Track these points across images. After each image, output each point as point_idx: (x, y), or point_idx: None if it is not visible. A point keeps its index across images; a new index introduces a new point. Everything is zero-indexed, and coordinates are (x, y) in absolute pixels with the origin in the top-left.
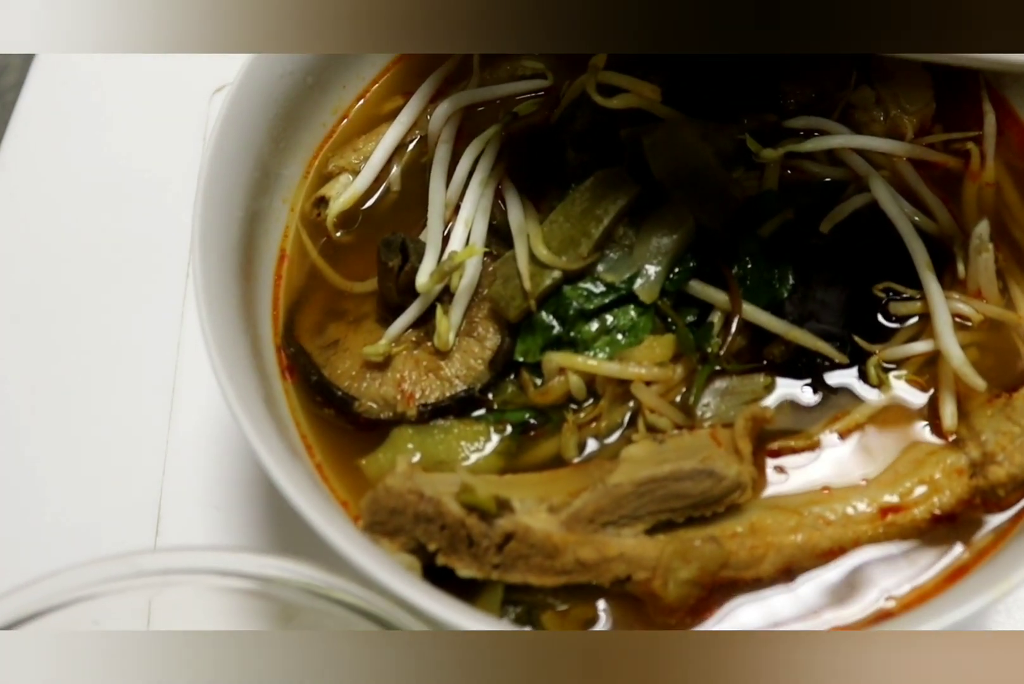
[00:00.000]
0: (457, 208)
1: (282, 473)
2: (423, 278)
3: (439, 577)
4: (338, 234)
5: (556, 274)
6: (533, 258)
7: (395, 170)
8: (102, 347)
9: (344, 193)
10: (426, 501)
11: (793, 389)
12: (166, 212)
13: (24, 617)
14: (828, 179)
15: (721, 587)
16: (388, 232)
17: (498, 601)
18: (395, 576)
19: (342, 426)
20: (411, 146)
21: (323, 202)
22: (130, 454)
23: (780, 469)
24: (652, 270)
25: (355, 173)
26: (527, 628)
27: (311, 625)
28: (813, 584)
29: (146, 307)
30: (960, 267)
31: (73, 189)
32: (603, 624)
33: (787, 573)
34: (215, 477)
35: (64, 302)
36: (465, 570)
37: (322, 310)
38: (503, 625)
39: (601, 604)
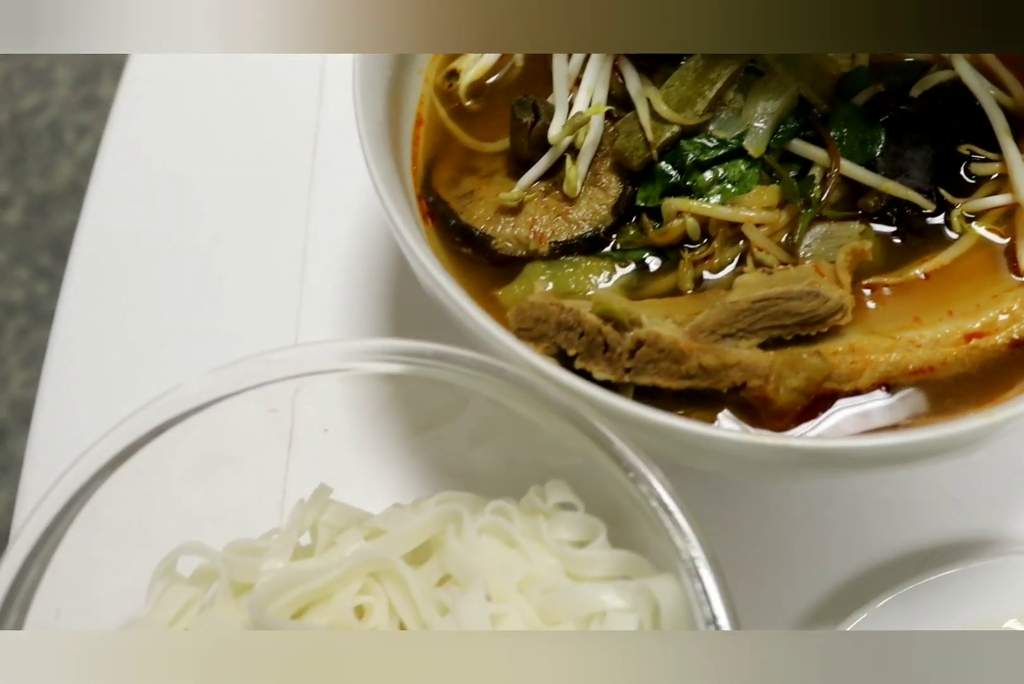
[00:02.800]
0: (578, 81)
1: (441, 274)
2: (555, 131)
3: None
4: (468, 103)
5: (675, 128)
6: (654, 114)
7: None
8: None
9: (473, 66)
10: (567, 311)
11: (885, 235)
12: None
13: (201, 404)
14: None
15: (824, 397)
16: (512, 101)
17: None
18: (547, 364)
19: (480, 262)
20: None
21: (454, 74)
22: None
23: (874, 301)
24: (759, 127)
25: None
26: None
27: (483, 409)
28: (905, 396)
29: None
30: None
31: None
32: (718, 426)
33: (882, 387)
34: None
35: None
36: (600, 373)
37: (456, 167)
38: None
39: (718, 411)
